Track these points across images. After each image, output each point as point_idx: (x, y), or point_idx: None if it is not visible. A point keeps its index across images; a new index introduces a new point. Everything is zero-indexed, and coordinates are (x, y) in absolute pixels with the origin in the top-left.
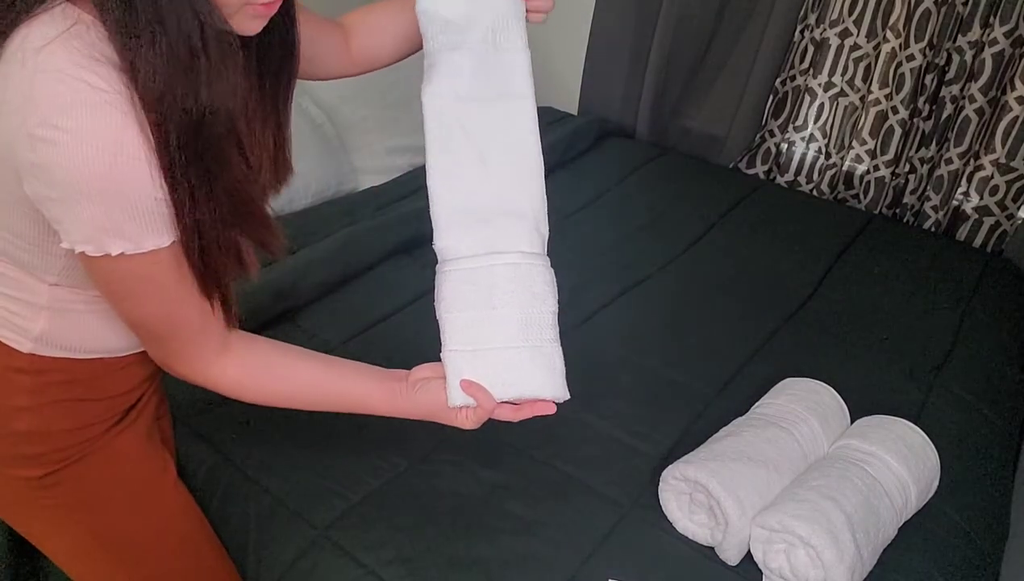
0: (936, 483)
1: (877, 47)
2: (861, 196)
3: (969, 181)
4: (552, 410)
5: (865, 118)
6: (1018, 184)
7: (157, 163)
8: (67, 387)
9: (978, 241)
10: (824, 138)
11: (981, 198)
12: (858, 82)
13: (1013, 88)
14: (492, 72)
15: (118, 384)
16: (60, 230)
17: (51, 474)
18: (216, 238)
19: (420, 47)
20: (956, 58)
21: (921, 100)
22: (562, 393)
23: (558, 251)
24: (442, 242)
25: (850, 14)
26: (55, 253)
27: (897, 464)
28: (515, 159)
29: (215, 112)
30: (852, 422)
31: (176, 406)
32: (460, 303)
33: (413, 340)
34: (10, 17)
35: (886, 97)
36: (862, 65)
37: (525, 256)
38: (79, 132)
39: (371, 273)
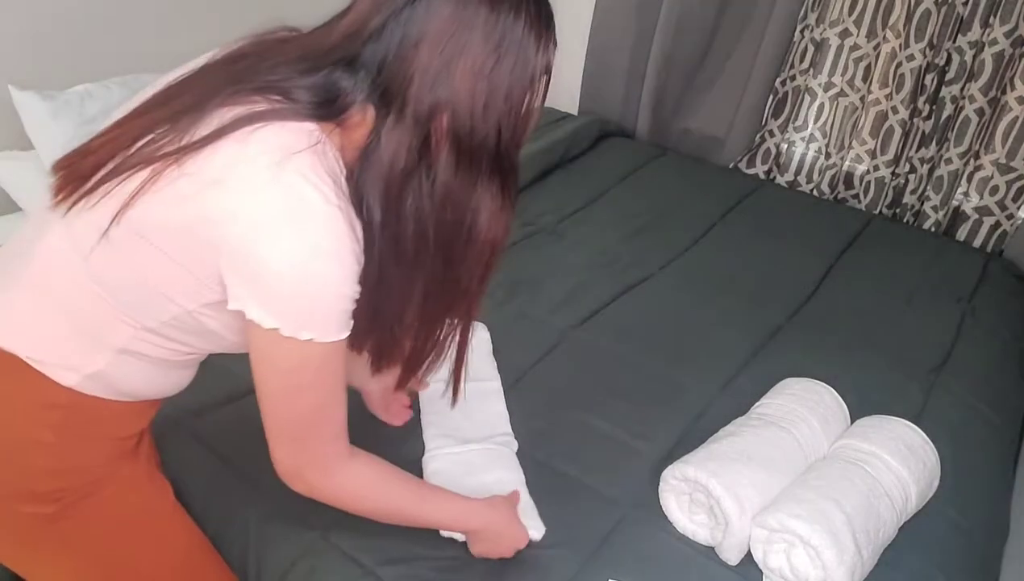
0: (936, 483)
1: (877, 47)
2: (861, 196)
3: (969, 181)
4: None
5: (865, 118)
6: (1018, 184)
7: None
8: (90, 425)
9: (978, 241)
10: (824, 138)
11: (981, 198)
12: (858, 82)
13: (1013, 88)
14: (479, 429)
15: (136, 424)
16: (247, 308)
17: (61, 510)
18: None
19: None
20: (956, 58)
21: (921, 100)
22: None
23: (558, 251)
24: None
25: (850, 14)
26: (179, 303)
27: (897, 464)
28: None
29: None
30: (852, 422)
31: (176, 409)
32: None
33: None
34: (270, 110)
35: (886, 97)
36: (862, 65)
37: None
38: (306, 236)
39: None
